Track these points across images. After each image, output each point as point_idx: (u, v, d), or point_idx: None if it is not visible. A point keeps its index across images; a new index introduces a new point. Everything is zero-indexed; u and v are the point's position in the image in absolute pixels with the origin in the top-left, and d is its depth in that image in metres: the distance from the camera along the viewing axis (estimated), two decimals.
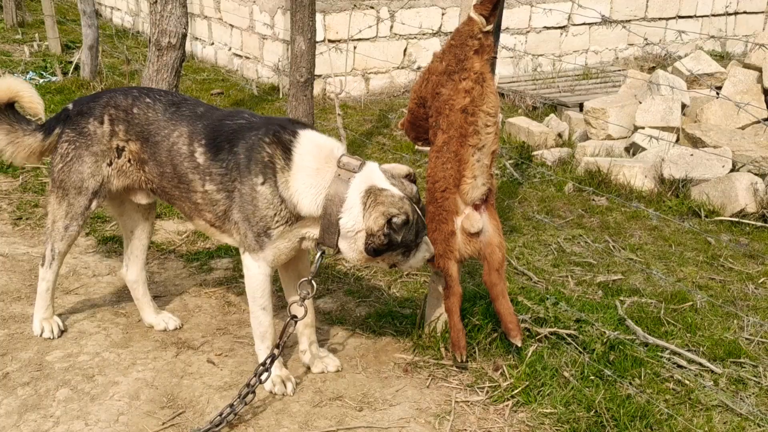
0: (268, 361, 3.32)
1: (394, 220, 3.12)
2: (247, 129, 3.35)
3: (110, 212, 3.79)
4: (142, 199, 3.75)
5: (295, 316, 3.42)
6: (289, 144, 3.26)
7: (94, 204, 3.67)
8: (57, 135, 3.66)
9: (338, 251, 3.32)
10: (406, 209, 3.17)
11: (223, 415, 3.18)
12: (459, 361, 3.63)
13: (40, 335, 3.82)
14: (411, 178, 3.35)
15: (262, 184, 3.25)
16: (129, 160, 3.58)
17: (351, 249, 3.25)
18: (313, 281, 3.42)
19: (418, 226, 3.27)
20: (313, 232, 3.32)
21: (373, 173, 3.24)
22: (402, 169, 3.36)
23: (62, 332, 3.87)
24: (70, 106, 3.71)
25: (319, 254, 3.38)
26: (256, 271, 3.38)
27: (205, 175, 3.38)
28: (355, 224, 3.18)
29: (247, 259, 3.39)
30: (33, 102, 3.74)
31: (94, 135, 3.58)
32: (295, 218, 3.28)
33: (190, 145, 3.42)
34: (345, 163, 3.23)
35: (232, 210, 3.34)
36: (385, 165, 3.37)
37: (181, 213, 3.62)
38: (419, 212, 3.27)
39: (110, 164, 3.60)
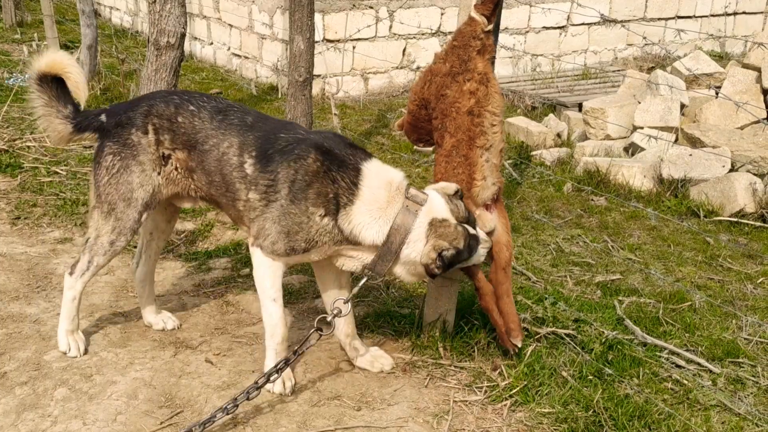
0: (282, 364, 3.30)
1: (444, 253, 3.22)
2: (304, 146, 3.30)
3: None
4: (187, 204, 3.73)
5: (320, 329, 3.41)
6: (355, 178, 3.27)
7: (144, 216, 3.58)
8: (97, 141, 3.57)
9: (385, 276, 3.42)
10: (458, 240, 3.25)
11: (225, 407, 3.14)
12: (513, 350, 3.61)
13: (67, 353, 3.67)
14: (459, 194, 3.39)
15: (322, 216, 3.25)
16: (176, 168, 3.52)
17: (408, 274, 3.36)
18: (349, 303, 3.46)
19: (470, 241, 3.31)
20: (357, 253, 3.37)
21: (434, 202, 3.28)
22: (451, 188, 3.37)
23: (86, 350, 3.75)
24: (104, 117, 3.58)
25: (364, 280, 3.41)
26: (269, 263, 3.37)
27: (251, 184, 3.35)
28: (416, 255, 3.26)
29: (258, 254, 3.38)
30: (78, 87, 3.61)
31: (139, 145, 3.50)
32: (348, 242, 3.32)
33: (240, 156, 3.38)
34: (413, 196, 3.28)
35: (265, 217, 3.32)
36: (437, 186, 3.40)
37: (229, 219, 3.66)
38: (468, 229, 3.32)
39: (159, 173, 3.53)
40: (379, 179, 3.30)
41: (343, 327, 3.65)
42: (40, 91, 3.57)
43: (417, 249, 3.25)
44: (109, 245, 3.60)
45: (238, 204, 3.43)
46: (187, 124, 3.48)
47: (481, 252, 3.39)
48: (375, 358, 3.71)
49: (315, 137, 3.40)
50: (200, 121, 3.48)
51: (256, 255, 3.40)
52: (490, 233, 3.48)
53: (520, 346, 3.60)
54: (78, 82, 3.61)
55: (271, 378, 3.28)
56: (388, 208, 3.26)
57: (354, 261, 3.40)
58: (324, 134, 3.47)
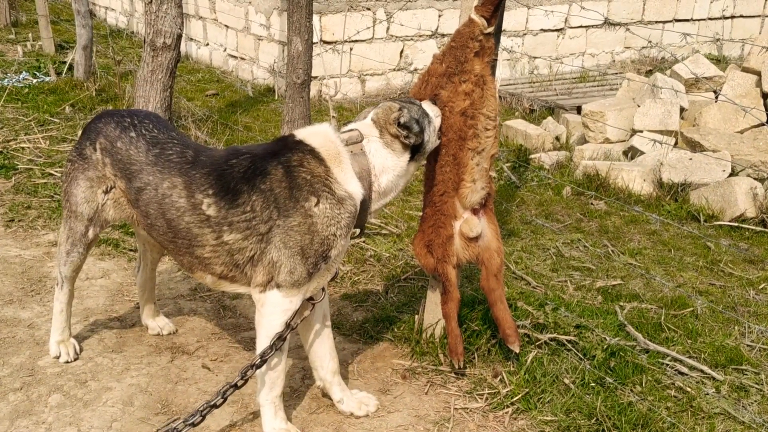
0: (276, 339, 3.02)
1: (401, 120, 3.08)
2: (260, 162, 3.04)
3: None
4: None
5: (312, 299, 3.18)
6: (312, 150, 3.04)
7: (90, 232, 3.44)
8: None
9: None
10: (393, 110, 3.12)
11: (223, 390, 3.06)
12: (456, 367, 3.59)
13: (57, 359, 3.64)
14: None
15: (317, 204, 2.96)
16: (121, 196, 3.35)
17: (401, 182, 3.21)
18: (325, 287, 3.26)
19: (407, 104, 3.19)
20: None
21: (362, 129, 3.14)
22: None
23: (78, 356, 3.71)
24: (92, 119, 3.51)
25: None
26: (286, 307, 3.02)
27: (222, 226, 3.01)
28: (393, 167, 3.12)
29: (274, 297, 3.01)
30: None
31: (90, 160, 3.36)
32: (352, 216, 3.06)
33: (190, 198, 3.06)
34: (348, 139, 3.09)
35: (269, 251, 2.98)
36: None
37: (178, 265, 3.36)
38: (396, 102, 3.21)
39: (106, 192, 3.36)
40: (322, 141, 3.07)
41: (329, 362, 3.36)
42: None
43: (389, 163, 3.11)
44: (66, 255, 3.52)
45: (198, 251, 3.10)
46: (124, 152, 3.25)
47: (432, 114, 3.26)
48: (361, 400, 3.41)
49: (262, 148, 3.18)
50: (136, 152, 3.23)
51: (272, 298, 3.01)
52: (477, 238, 3.44)
53: (517, 351, 3.56)
54: None
55: (266, 357, 3.03)
56: (343, 159, 3.04)
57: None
58: (262, 145, 3.26)
